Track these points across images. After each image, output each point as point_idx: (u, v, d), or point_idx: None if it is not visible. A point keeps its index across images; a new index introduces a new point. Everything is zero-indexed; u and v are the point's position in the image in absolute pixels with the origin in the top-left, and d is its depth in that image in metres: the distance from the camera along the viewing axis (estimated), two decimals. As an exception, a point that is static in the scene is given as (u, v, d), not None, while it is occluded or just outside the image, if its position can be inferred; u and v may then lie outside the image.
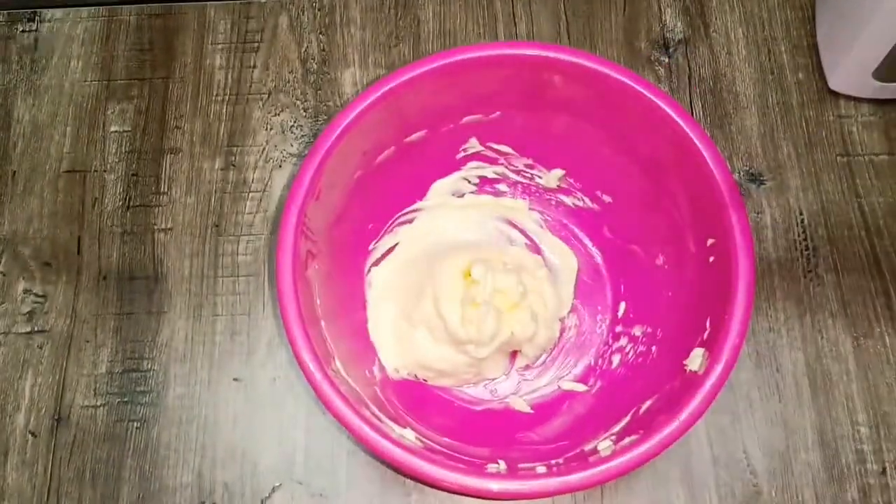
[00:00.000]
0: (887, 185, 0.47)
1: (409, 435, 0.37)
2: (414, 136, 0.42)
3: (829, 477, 0.42)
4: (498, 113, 0.42)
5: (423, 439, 0.38)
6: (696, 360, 0.36)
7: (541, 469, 0.34)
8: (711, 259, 0.37)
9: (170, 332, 0.45)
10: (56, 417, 0.43)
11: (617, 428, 0.37)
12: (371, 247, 0.46)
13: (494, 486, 0.33)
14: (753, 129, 0.49)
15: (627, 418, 0.37)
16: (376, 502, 0.42)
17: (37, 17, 0.53)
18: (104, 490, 0.42)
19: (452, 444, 0.39)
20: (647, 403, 0.37)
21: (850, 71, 0.47)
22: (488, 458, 0.37)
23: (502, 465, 0.36)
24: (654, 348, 0.41)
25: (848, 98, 0.49)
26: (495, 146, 0.45)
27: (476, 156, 0.45)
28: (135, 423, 0.43)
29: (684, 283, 0.40)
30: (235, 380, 0.44)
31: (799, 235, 0.46)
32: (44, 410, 0.44)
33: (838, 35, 0.47)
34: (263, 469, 0.42)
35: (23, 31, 0.52)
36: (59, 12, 0.53)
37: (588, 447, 0.37)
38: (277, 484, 0.42)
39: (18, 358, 0.45)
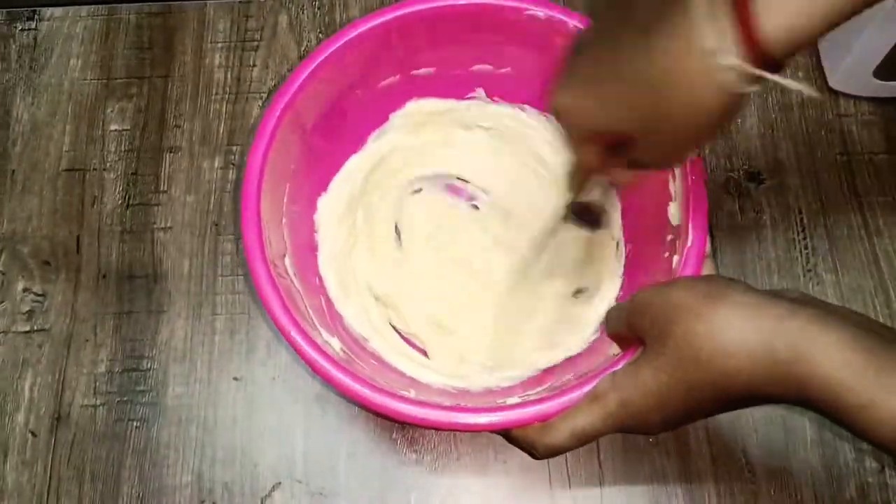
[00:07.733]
0: (887, 184, 0.47)
1: (334, 344, 0.38)
2: (422, 71, 0.44)
3: (827, 476, 0.42)
4: (508, 69, 0.43)
5: (348, 352, 0.38)
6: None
7: (445, 402, 0.35)
8: (666, 255, 0.38)
9: (169, 331, 0.45)
10: (56, 417, 0.43)
11: (532, 392, 0.38)
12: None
13: (394, 403, 0.33)
14: (753, 128, 0.49)
15: (544, 387, 0.38)
16: (376, 501, 0.42)
17: (36, 16, 0.53)
18: (104, 489, 0.42)
19: (375, 366, 0.40)
20: (566, 377, 0.38)
21: (850, 70, 0.47)
22: (402, 387, 0.38)
23: (412, 393, 0.37)
24: None
25: (848, 97, 0.49)
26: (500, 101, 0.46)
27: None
28: (134, 423, 0.43)
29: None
30: (235, 379, 0.44)
31: (798, 234, 0.46)
32: (43, 410, 0.44)
33: (839, 34, 0.47)
34: (263, 468, 0.42)
35: (22, 30, 0.52)
36: (58, 11, 0.53)
37: (499, 401, 0.37)
38: (277, 483, 0.42)
39: (18, 357, 0.45)
